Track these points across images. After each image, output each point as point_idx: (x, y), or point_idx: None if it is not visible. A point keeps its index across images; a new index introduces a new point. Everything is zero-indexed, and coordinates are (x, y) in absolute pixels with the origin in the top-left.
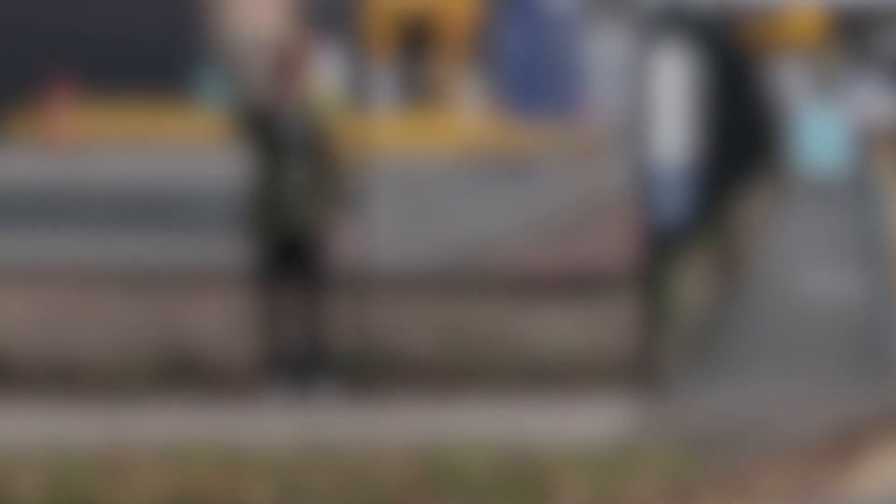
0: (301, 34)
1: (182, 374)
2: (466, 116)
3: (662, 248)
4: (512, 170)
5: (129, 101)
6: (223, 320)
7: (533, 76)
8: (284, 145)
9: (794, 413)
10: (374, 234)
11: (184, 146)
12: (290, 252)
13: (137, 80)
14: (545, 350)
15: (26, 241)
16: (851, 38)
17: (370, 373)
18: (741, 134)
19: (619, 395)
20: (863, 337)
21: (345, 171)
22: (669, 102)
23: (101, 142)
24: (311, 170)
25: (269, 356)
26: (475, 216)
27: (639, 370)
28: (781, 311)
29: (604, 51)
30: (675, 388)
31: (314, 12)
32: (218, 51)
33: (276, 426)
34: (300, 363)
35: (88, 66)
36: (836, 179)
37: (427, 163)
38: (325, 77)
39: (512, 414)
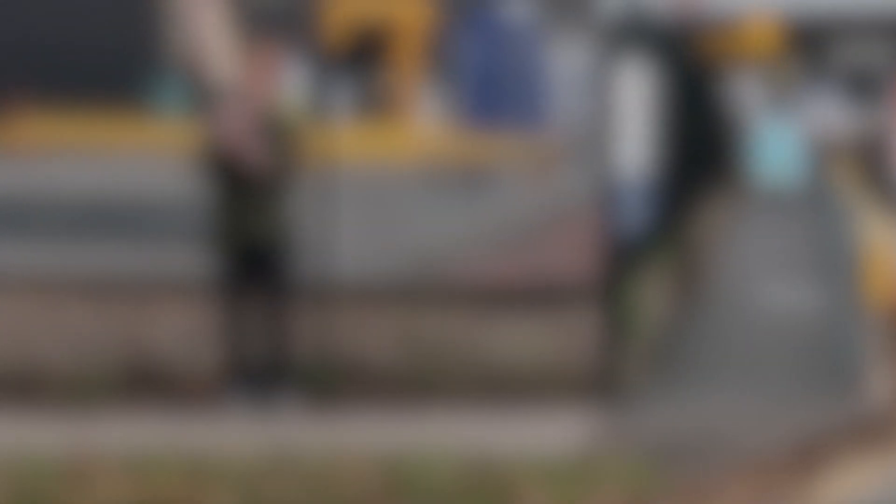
0: (263, 46)
1: (144, 383)
2: (425, 126)
3: (623, 259)
4: (472, 180)
5: (88, 109)
6: (185, 330)
7: (492, 86)
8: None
9: (754, 425)
10: (334, 244)
11: (144, 156)
12: (251, 262)
13: (96, 89)
14: (506, 361)
15: None
16: (808, 50)
17: (332, 383)
18: (700, 146)
19: (579, 407)
20: (821, 349)
21: (307, 181)
22: (629, 114)
23: (60, 151)
24: (274, 180)
25: (231, 366)
26: (435, 226)
27: (599, 381)
28: (741, 322)
29: (564, 62)
30: (636, 399)
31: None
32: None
33: (238, 435)
34: (262, 373)
35: (47, 75)
36: (794, 191)
37: (386, 173)
38: (287, 86)
39: (473, 424)
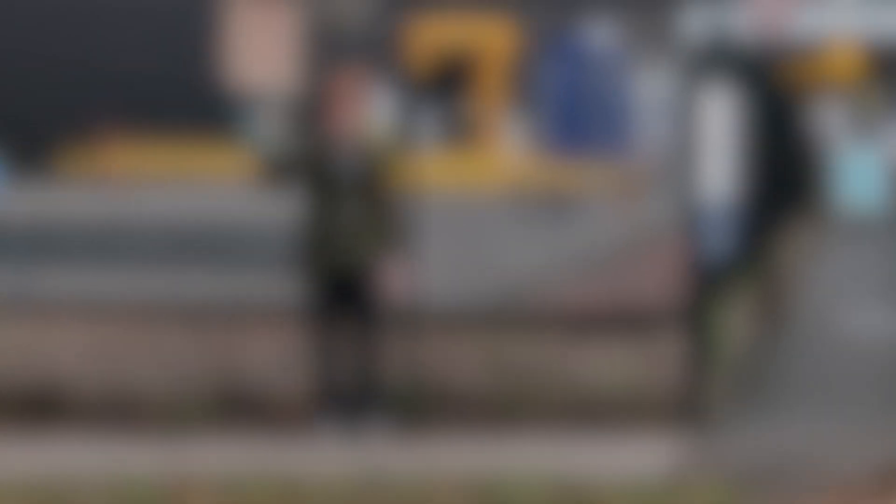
0: (347, 73)
1: (237, 408)
2: (510, 153)
3: (707, 284)
4: (557, 207)
5: (177, 138)
6: (277, 355)
7: (576, 113)
8: (337, 184)
9: (838, 449)
10: (424, 271)
11: (232, 183)
12: (342, 288)
13: (183, 119)
14: (592, 385)
15: (82, 277)
16: (891, 76)
17: (421, 407)
18: (783, 172)
19: (666, 431)
20: None
21: (396, 209)
22: (713, 140)
23: (150, 179)
24: (365, 206)
25: (322, 391)
26: (521, 253)
27: (685, 406)
28: (824, 347)
29: (647, 87)
30: (721, 424)
31: (355, 47)
32: (260, 90)
33: (329, 460)
34: (353, 398)
35: (136, 105)
36: (876, 217)
37: (471, 200)
38: (374, 114)
39: (560, 449)
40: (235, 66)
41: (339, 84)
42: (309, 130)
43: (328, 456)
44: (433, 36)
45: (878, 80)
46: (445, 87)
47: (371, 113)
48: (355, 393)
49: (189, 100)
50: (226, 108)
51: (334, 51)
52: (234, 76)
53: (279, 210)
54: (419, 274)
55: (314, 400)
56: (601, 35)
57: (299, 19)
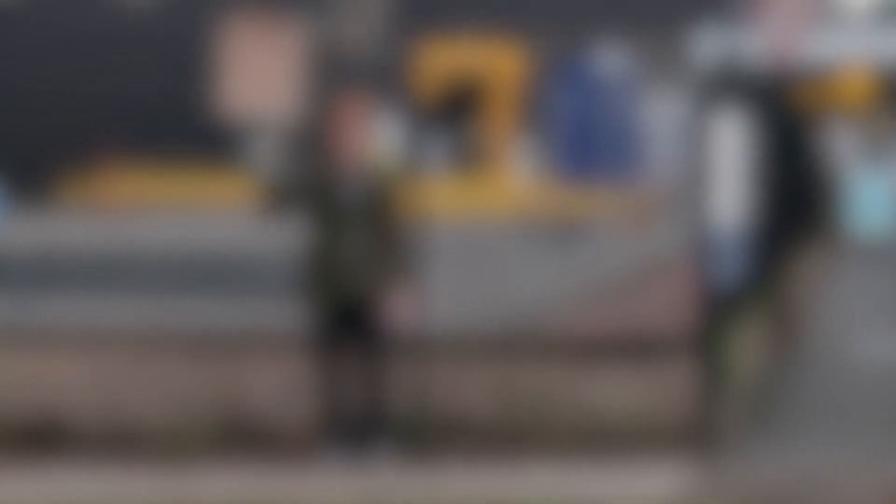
0: (352, 98)
1: (240, 438)
2: (519, 180)
3: (719, 310)
4: (567, 233)
5: (178, 166)
6: (281, 384)
7: (586, 139)
8: (342, 211)
9: (851, 475)
10: (431, 298)
11: (234, 211)
12: (347, 316)
13: (184, 146)
14: (603, 413)
15: (83, 306)
16: None
17: (429, 436)
18: (795, 197)
19: (677, 458)
20: None
21: (403, 236)
22: (725, 165)
23: (151, 207)
24: (370, 234)
25: (327, 420)
26: (531, 279)
27: (697, 433)
28: (837, 373)
29: (659, 113)
30: (733, 451)
31: (363, 73)
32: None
33: (335, 490)
34: (359, 427)
35: (137, 133)
36: (888, 243)
37: (481, 226)
38: (381, 140)
39: (571, 477)
40: (236, 92)
41: (344, 109)
42: (313, 157)
43: (333, 486)
44: (442, 61)
45: (890, 105)
46: (454, 112)
47: (377, 139)
48: (361, 422)
49: (190, 127)
50: (227, 134)
51: (339, 75)
52: (235, 102)
53: (283, 237)
54: (427, 301)
55: (319, 429)
56: (612, 60)
57: (303, 43)
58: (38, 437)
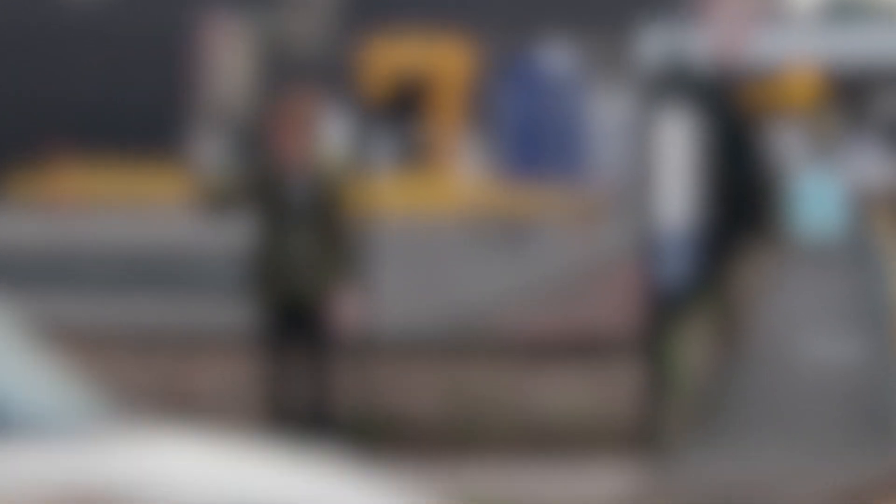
0: (298, 95)
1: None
2: (466, 178)
3: (665, 311)
4: (513, 233)
5: (126, 163)
6: (227, 383)
7: (532, 137)
8: (288, 209)
9: (796, 478)
10: (378, 297)
11: (183, 208)
12: (294, 315)
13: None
14: (549, 413)
15: (28, 303)
16: (849, 101)
17: (376, 436)
18: (741, 197)
19: (623, 459)
20: (864, 402)
21: (349, 234)
22: (671, 165)
23: (99, 203)
24: (316, 233)
25: (273, 419)
26: (477, 279)
27: (642, 434)
28: (783, 375)
29: (605, 113)
30: (679, 452)
31: (308, 70)
32: (209, 114)
33: None
34: (304, 426)
35: (85, 129)
36: (835, 243)
37: (427, 225)
38: (327, 137)
39: (517, 477)
40: (184, 88)
41: (290, 107)
42: (258, 154)
43: None
44: (388, 58)
45: (836, 104)
46: (401, 110)
47: (323, 136)
48: (308, 421)
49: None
50: (177, 131)
51: (285, 73)
52: (184, 98)
53: (230, 235)
54: (373, 301)
55: (265, 428)
56: (557, 58)
57: (249, 41)
58: None
